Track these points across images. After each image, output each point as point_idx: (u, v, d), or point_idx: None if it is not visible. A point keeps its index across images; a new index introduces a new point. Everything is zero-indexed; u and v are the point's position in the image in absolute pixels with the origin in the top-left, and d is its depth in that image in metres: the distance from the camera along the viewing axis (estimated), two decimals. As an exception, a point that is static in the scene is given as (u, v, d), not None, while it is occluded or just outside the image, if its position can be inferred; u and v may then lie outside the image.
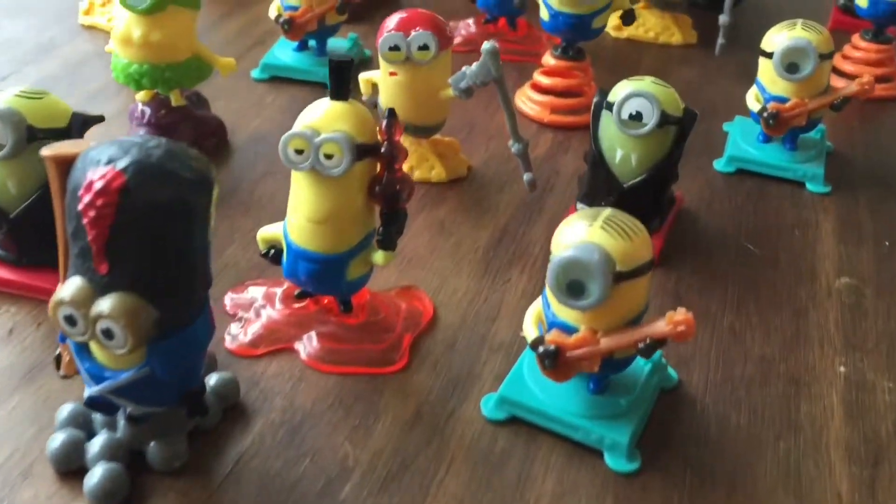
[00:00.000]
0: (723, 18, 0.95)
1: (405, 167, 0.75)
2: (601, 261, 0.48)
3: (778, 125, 0.77)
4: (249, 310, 0.60)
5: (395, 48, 0.70)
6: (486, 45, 0.64)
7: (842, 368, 0.59)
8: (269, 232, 0.58)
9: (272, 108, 0.86)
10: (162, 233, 0.42)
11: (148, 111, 0.75)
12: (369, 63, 0.96)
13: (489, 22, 1.01)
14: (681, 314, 0.48)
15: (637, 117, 0.65)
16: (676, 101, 0.66)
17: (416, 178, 0.76)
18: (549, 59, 0.87)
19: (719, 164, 0.81)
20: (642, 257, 0.49)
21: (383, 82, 0.74)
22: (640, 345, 0.49)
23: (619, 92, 0.66)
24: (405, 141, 0.76)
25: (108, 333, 0.43)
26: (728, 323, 0.63)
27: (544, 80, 0.87)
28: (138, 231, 0.42)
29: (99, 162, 0.42)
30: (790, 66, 0.75)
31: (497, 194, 0.76)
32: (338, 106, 0.54)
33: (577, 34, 0.84)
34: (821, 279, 0.68)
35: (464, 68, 0.68)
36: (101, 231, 0.42)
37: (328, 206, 0.54)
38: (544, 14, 0.84)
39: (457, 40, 1.00)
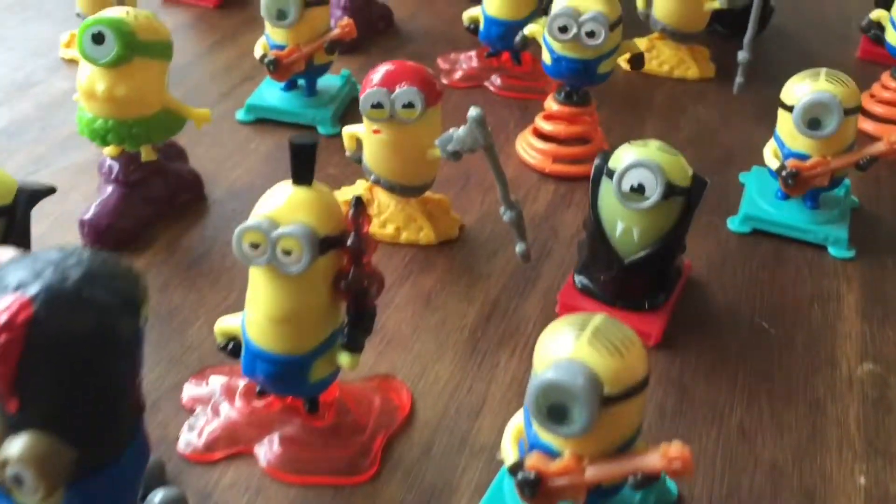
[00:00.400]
0: (741, 55, 0.89)
1: (391, 228, 0.70)
2: (587, 385, 0.42)
3: (798, 185, 0.71)
4: (207, 404, 0.55)
5: (378, 105, 0.65)
6: (472, 112, 0.58)
7: (862, 480, 0.53)
8: (227, 324, 0.53)
9: (255, 157, 0.81)
10: (79, 365, 0.37)
11: (116, 167, 0.70)
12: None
13: (492, 56, 0.95)
14: (676, 449, 0.42)
15: (639, 190, 0.59)
16: (684, 168, 0.60)
17: (403, 241, 0.71)
18: (551, 104, 0.81)
19: (734, 223, 0.75)
20: (635, 376, 0.44)
21: (367, 139, 0.68)
22: (630, 479, 0.43)
23: (620, 159, 0.60)
24: (392, 200, 0.71)
25: (17, 479, 0.37)
26: (737, 420, 0.57)
27: (546, 126, 0.81)
28: (51, 365, 0.37)
29: (7, 287, 0.37)
30: (812, 122, 0.69)
31: (489, 260, 0.70)
32: (300, 193, 0.48)
33: (581, 80, 0.78)
34: (841, 366, 0.62)
35: (451, 130, 0.62)
36: (6, 368, 0.36)
37: (288, 305, 0.48)
38: (546, 57, 0.78)
39: (457, 75, 0.95)
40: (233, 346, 0.53)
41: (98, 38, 0.63)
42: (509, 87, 0.93)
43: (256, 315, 0.50)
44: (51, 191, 0.58)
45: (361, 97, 0.65)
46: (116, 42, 0.63)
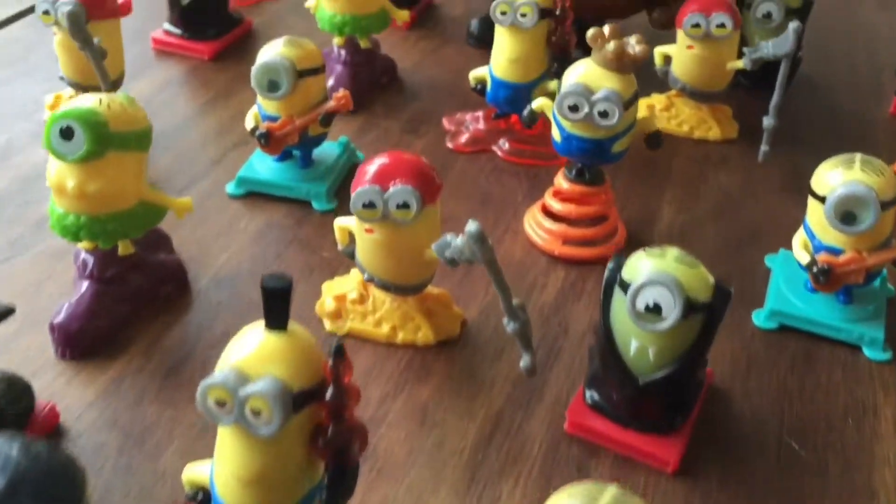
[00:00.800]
0: (767, 121, 0.83)
1: (386, 327, 0.65)
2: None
3: (830, 283, 0.65)
4: (177, 555, 0.50)
5: (371, 205, 0.59)
6: (470, 228, 0.52)
7: None
8: (194, 474, 0.48)
9: (244, 238, 0.76)
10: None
11: (91, 262, 0.65)
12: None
13: (500, 117, 0.89)
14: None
15: (655, 310, 0.53)
16: (704, 280, 0.55)
17: (399, 341, 0.65)
18: (561, 181, 0.75)
19: (759, 318, 0.69)
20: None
21: (359, 237, 0.63)
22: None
23: (634, 271, 0.54)
24: (387, 297, 0.65)
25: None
26: (764, 567, 0.52)
27: (555, 205, 0.75)
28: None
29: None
30: (846, 216, 0.63)
31: (493, 363, 0.64)
32: (272, 340, 0.43)
33: (593, 159, 0.72)
34: (879, 498, 0.56)
35: (448, 237, 0.57)
36: None
37: (259, 466, 0.43)
38: (556, 134, 0.72)
39: (462, 138, 0.89)
40: (202, 499, 0.48)
41: (66, 133, 0.58)
42: (518, 152, 0.87)
43: (224, 474, 0.44)
44: (9, 312, 0.53)
45: (353, 194, 0.60)
46: (86, 137, 0.58)
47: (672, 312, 0.53)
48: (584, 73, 0.69)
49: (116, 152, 0.60)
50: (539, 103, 0.74)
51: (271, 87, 0.75)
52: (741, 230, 0.80)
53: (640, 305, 0.53)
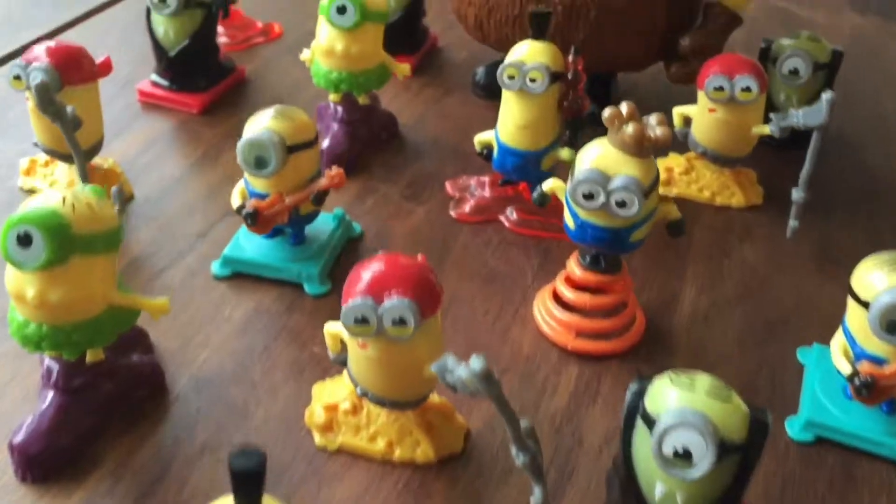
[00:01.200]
0: (796, 194, 0.76)
1: (382, 443, 0.59)
2: None
3: (873, 396, 0.58)
4: None
5: (363, 321, 0.53)
6: (473, 365, 0.46)
7: None
8: None
9: (228, 328, 0.69)
10: None
11: (55, 370, 0.58)
12: (360, 245, 0.79)
13: (507, 184, 0.83)
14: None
15: (685, 455, 0.47)
16: (739, 413, 0.48)
17: (396, 459, 0.59)
18: (574, 267, 0.69)
19: (793, 429, 0.63)
20: None
21: (352, 349, 0.57)
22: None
23: (659, 403, 0.48)
24: (382, 411, 0.59)
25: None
26: None
27: (567, 294, 0.69)
28: None
29: None
30: (891, 326, 0.57)
31: (499, 486, 0.58)
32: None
33: (610, 248, 0.66)
34: None
35: (450, 360, 0.50)
36: None
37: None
38: (569, 220, 0.66)
39: (467, 207, 0.83)
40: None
41: (24, 240, 0.52)
42: (527, 223, 0.81)
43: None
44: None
45: (343, 306, 0.54)
46: (46, 244, 0.52)
47: (704, 459, 0.46)
48: (599, 156, 0.63)
49: (81, 257, 0.54)
50: (550, 185, 0.68)
51: (259, 163, 0.69)
52: (769, 313, 0.74)
53: (668, 450, 0.47)
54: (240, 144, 0.69)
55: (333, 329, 0.58)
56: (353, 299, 0.53)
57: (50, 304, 0.54)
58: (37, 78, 0.70)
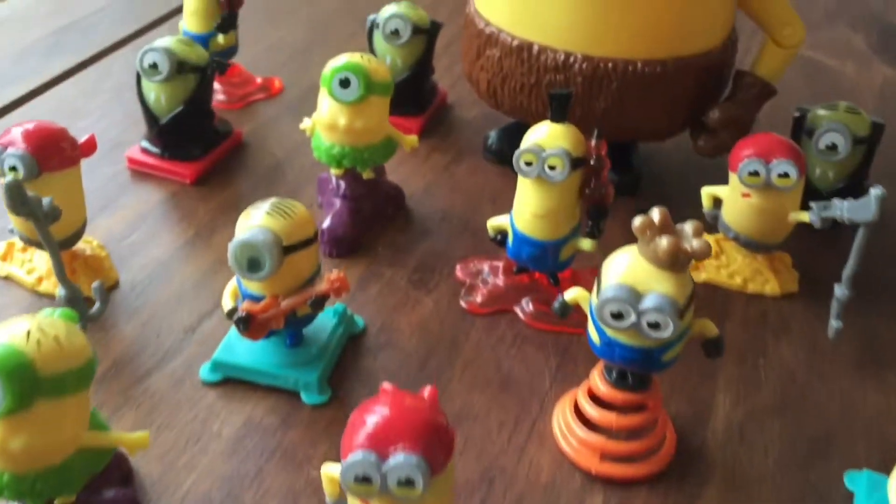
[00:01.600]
0: (839, 291, 0.70)
1: None
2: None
3: (939, 551, 0.52)
4: None
5: (366, 479, 0.47)
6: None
7: None
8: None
9: (217, 447, 0.63)
10: None
11: (21, 515, 0.53)
12: (363, 341, 0.73)
13: (521, 272, 0.77)
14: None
15: None
16: None
17: None
18: (598, 383, 0.62)
19: (844, 576, 0.56)
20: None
21: (352, 499, 0.50)
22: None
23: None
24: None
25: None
26: None
27: (591, 411, 0.63)
28: None
29: None
30: (962, 476, 0.50)
31: None
32: None
33: (639, 367, 0.59)
34: None
35: None
36: None
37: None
38: (594, 335, 0.59)
39: (478, 296, 0.77)
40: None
41: (-19, 386, 0.46)
42: (544, 316, 0.75)
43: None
44: None
45: (342, 462, 0.47)
46: (7, 391, 0.46)
47: None
48: (628, 269, 0.56)
49: (48, 400, 0.48)
50: (573, 295, 0.62)
51: (252, 266, 0.62)
52: (811, 427, 0.67)
53: None
54: (231, 246, 0.62)
55: (332, 473, 0.52)
56: (354, 454, 0.47)
57: (11, 453, 0.48)
58: (9, 174, 0.64)
